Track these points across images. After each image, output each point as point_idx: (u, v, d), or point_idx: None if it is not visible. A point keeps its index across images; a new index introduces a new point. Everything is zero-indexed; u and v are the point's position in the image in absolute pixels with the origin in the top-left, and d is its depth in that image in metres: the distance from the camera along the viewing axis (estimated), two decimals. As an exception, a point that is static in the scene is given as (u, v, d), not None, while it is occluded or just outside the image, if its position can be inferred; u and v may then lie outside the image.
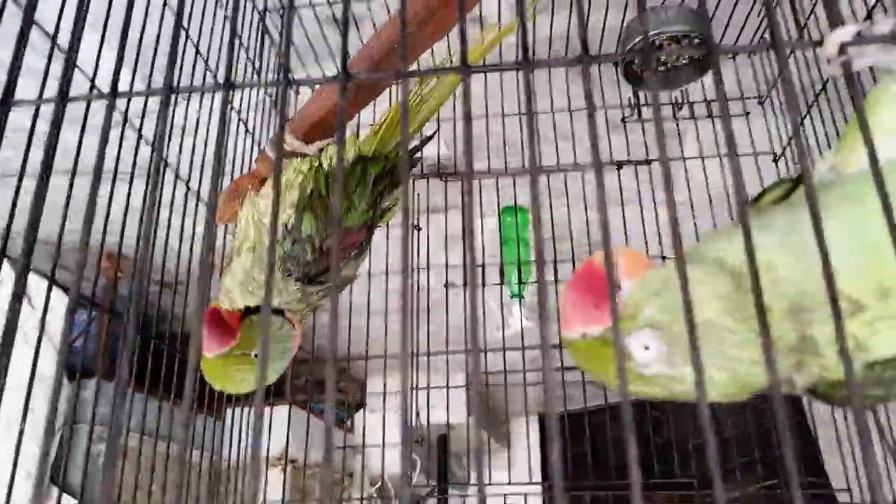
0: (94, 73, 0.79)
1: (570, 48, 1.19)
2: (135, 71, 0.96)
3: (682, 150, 1.21)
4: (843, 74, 0.38)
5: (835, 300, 0.27)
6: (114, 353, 1.95)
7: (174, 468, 2.03)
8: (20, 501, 1.50)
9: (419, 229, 1.23)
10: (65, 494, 1.53)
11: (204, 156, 0.94)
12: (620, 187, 1.23)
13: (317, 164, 0.77)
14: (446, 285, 1.26)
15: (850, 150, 0.45)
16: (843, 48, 0.39)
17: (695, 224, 1.15)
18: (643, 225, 1.21)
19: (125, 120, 0.91)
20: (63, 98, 0.36)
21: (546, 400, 0.26)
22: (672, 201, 0.30)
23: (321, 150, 0.78)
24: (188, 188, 0.94)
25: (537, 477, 3.08)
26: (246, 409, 1.60)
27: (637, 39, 1.04)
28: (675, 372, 0.41)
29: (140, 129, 0.87)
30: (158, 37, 0.87)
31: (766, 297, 0.27)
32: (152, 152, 0.86)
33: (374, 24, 1.14)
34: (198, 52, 0.92)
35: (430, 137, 0.90)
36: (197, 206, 0.94)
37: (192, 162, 0.94)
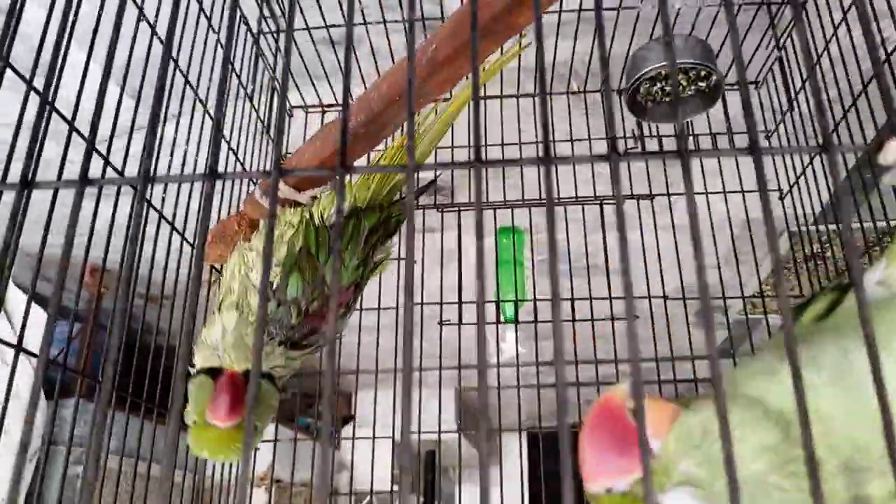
0: (81, 85, 0.76)
1: (574, 75, 1.16)
2: (123, 87, 0.92)
3: (685, 183, 1.18)
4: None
5: (895, 454, 0.23)
6: (96, 369, 1.90)
7: (156, 489, 1.98)
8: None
9: (415, 262, 1.19)
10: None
11: (194, 170, 0.90)
12: (641, 231, 1.20)
13: (307, 216, 0.73)
14: (440, 323, 1.22)
15: None
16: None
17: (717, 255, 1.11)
18: (644, 258, 1.17)
19: (112, 136, 0.87)
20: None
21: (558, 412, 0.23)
22: (708, 309, 0.27)
23: (314, 198, 0.74)
24: (174, 223, 0.90)
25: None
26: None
27: (644, 71, 1.01)
28: None
29: (128, 148, 0.83)
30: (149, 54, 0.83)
31: (818, 449, 0.23)
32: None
33: (371, 45, 1.11)
34: (187, 81, 0.88)
35: (430, 185, 0.87)
36: (185, 223, 0.90)
37: (179, 186, 0.90)
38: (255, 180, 0.69)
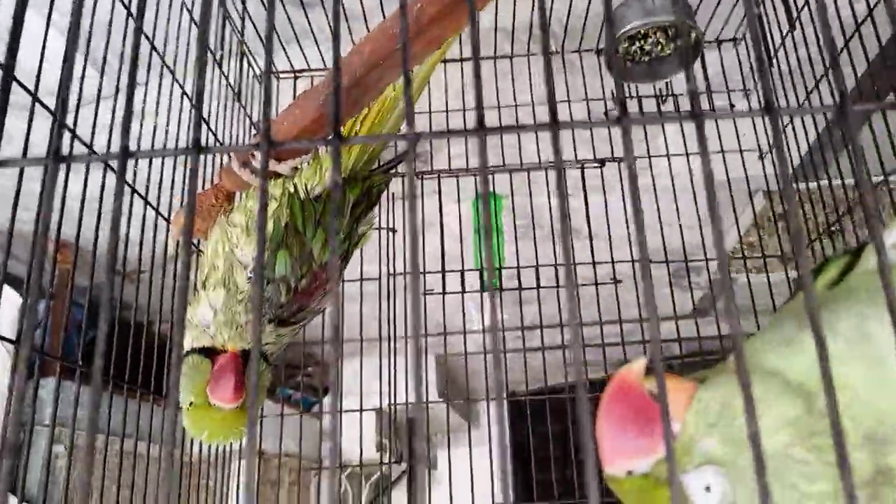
0: (42, 51, 0.72)
1: (551, 35, 1.14)
2: (86, 55, 0.88)
3: (665, 144, 1.18)
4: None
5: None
6: (70, 347, 1.86)
7: (138, 467, 1.96)
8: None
9: (394, 231, 1.17)
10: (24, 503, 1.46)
11: (165, 144, 0.87)
12: (603, 184, 1.19)
13: (290, 188, 0.70)
14: (424, 293, 1.21)
15: None
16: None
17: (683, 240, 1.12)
18: (626, 221, 1.17)
19: (77, 107, 0.83)
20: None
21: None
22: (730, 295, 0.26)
23: (295, 169, 0.71)
24: (147, 191, 0.87)
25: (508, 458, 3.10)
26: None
27: (623, 30, 0.99)
28: None
29: (95, 119, 0.80)
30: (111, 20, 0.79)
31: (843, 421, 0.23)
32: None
33: (343, 6, 1.07)
34: (153, 48, 0.84)
35: (401, 158, 0.84)
36: (159, 195, 0.87)
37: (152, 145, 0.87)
38: (242, 153, 0.67)
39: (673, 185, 1.17)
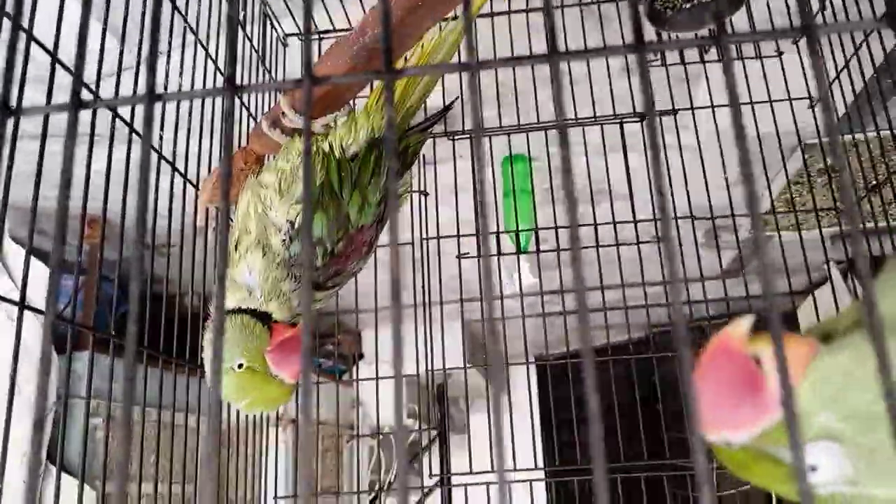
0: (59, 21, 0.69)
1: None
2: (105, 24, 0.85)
3: (710, 95, 1.12)
4: None
5: None
6: (102, 321, 1.87)
7: (171, 436, 1.99)
8: (16, 484, 1.45)
9: (426, 194, 1.14)
10: (64, 473, 1.48)
11: (190, 107, 0.84)
12: (644, 139, 1.14)
13: (325, 147, 0.67)
14: (459, 256, 1.18)
15: None
16: None
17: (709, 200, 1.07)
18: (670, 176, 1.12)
19: (98, 79, 0.81)
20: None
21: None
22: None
23: (328, 126, 0.68)
24: (174, 164, 0.84)
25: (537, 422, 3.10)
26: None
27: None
28: (862, 491, 0.32)
29: (116, 90, 0.77)
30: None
31: None
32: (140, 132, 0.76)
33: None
34: (176, 8, 0.80)
35: (447, 109, 0.80)
36: (186, 168, 0.85)
37: (177, 122, 0.85)
38: (281, 91, 0.63)
39: (718, 137, 1.12)
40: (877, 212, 1.90)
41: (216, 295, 0.26)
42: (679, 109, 1.11)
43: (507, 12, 1.09)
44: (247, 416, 1.39)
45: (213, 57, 0.91)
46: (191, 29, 0.83)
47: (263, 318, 0.66)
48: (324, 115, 0.66)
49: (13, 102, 0.29)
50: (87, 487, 1.58)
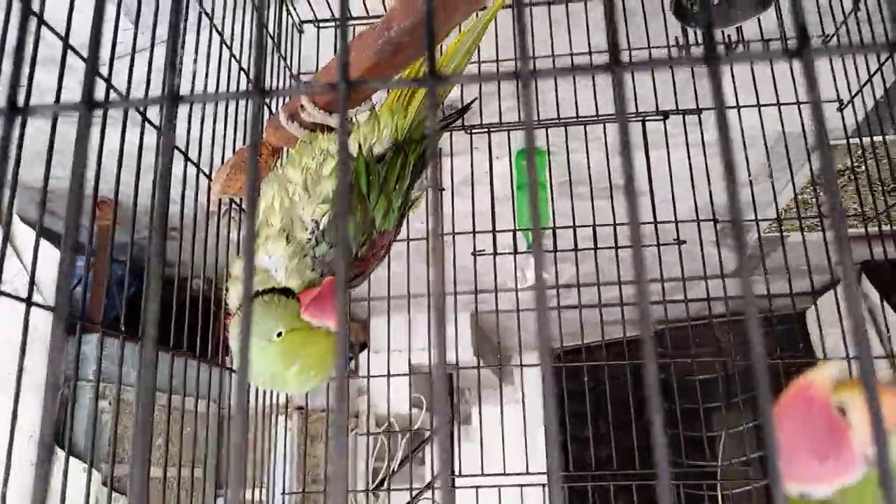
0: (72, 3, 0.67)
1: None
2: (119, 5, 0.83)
3: (735, 94, 1.10)
4: None
5: None
6: (111, 303, 1.87)
7: (180, 420, 1.99)
8: (25, 465, 1.46)
9: (443, 189, 1.12)
10: (72, 457, 1.48)
11: (203, 110, 0.83)
12: (666, 137, 1.11)
13: (353, 148, 0.65)
14: (474, 253, 1.17)
15: None
16: None
17: (748, 170, 1.04)
18: (670, 176, 1.10)
19: (112, 61, 0.79)
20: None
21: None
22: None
23: (351, 121, 0.66)
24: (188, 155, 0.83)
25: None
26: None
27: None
28: None
29: (130, 73, 0.76)
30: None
31: None
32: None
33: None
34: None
35: (467, 108, 0.78)
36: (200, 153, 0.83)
37: (190, 110, 0.83)
38: (289, 105, 0.61)
39: (743, 135, 1.09)
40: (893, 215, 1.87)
41: (243, 277, 0.25)
42: (704, 109, 1.08)
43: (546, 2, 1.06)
44: (258, 399, 1.39)
45: (229, 43, 0.89)
46: (206, 13, 0.81)
47: (285, 292, 0.64)
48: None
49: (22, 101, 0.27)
50: (93, 471, 1.58)
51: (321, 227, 0.64)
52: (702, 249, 1.21)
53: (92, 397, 1.60)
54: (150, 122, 0.74)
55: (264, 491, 1.81)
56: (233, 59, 0.88)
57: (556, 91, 1.16)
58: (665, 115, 1.09)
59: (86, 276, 1.79)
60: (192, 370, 1.07)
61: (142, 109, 0.74)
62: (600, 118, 1.12)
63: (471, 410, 3.36)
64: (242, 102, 0.91)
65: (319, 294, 0.62)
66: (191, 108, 0.77)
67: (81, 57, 0.62)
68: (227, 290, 0.70)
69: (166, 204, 0.27)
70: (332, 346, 0.62)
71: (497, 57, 1.08)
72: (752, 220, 1.70)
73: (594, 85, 1.13)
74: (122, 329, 1.61)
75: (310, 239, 0.65)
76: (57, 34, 0.59)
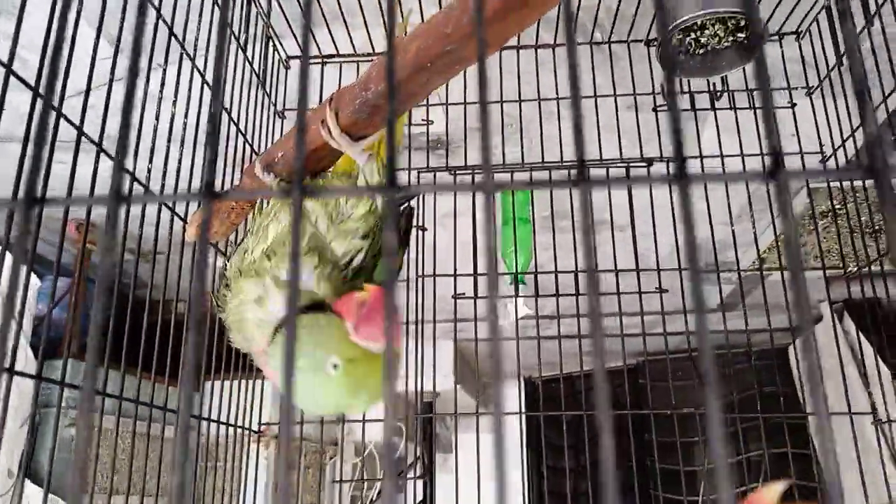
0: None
1: (597, 25, 1.06)
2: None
3: (719, 144, 1.10)
4: None
5: None
6: (86, 326, 1.83)
7: (154, 447, 1.95)
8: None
9: (424, 230, 1.11)
10: (35, 485, 1.44)
11: (183, 137, 0.81)
12: (650, 187, 1.12)
13: (371, 203, 0.63)
14: (455, 297, 1.15)
15: None
16: None
17: (731, 224, 1.05)
18: (652, 214, 1.09)
19: (88, 88, 0.78)
20: None
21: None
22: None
23: (371, 155, 0.62)
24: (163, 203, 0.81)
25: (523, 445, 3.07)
26: (226, 383, 1.51)
27: (678, 21, 0.91)
28: None
29: (109, 93, 0.74)
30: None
31: None
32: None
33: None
34: (172, 34, 0.77)
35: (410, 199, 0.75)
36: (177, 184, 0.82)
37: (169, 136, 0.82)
38: (265, 156, 0.60)
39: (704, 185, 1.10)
40: (871, 256, 1.89)
41: (287, 299, 0.23)
42: (687, 157, 1.08)
43: (515, 47, 1.07)
44: (225, 429, 1.36)
45: (202, 70, 0.88)
46: (177, 41, 0.79)
47: (321, 307, 0.60)
48: (316, 170, 0.63)
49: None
50: (59, 500, 1.53)
51: (355, 263, 0.62)
52: (681, 285, 1.21)
53: (55, 423, 1.56)
54: (108, 158, 0.72)
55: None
56: (206, 86, 0.87)
57: (542, 131, 1.16)
58: (649, 161, 1.09)
59: (63, 296, 1.76)
60: (171, 396, 1.05)
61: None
62: (604, 162, 1.12)
63: (451, 438, 3.33)
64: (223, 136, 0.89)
65: (369, 309, 0.57)
66: (166, 163, 0.76)
67: (109, 155, 0.61)
68: (220, 306, 0.67)
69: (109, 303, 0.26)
70: (372, 372, 0.57)
71: (465, 99, 1.08)
72: (729, 266, 1.70)
73: (560, 135, 1.13)
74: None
75: (343, 269, 0.62)
76: (74, 125, 0.58)
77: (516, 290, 1.38)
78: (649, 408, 3.29)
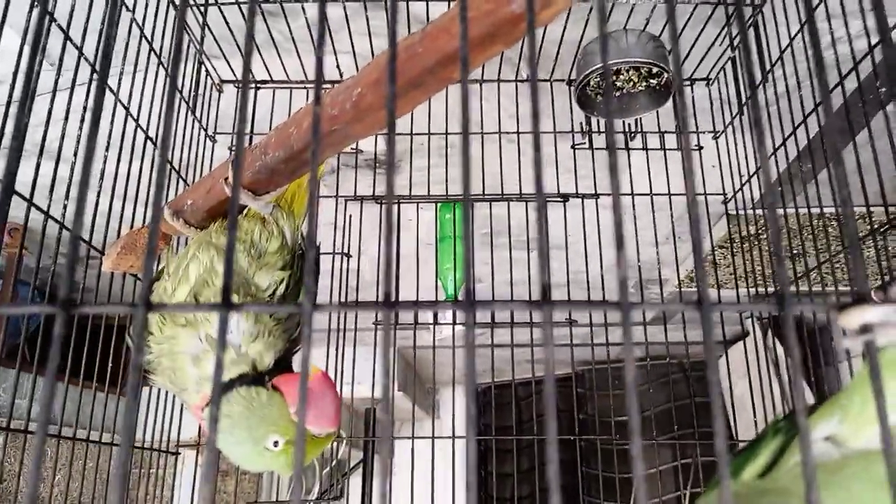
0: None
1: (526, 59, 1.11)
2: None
3: (630, 183, 1.16)
4: (862, 350, 0.31)
5: None
6: (14, 332, 1.80)
7: (81, 457, 1.92)
8: None
9: (349, 256, 1.14)
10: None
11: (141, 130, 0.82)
12: (565, 221, 1.17)
13: (281, 234, 0.66)
14: (375, 324, 1.19)
15: (861, 422, 0.38)
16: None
17: (638, 255, 1.11)
18: (586, 263, 1.15)
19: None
20: None
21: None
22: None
23: (275, 206, 0.66)
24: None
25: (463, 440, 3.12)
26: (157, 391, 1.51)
27: (594, 67, 0.96)
28: None
29: (70, 95, 0.75)
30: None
31: None
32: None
33: (306, 16, 1.02)
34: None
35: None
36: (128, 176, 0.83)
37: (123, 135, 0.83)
38: (173, 203, 0.62)
39: (634, 211, 1.16)
40: (799, 277, 2.01)
41: (213, 392, 0.26)
42: (601, 194, 1.14)
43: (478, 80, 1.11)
44: (157, 436, 1.37)
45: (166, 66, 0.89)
46: (146, 39, 0.81)
47: (260, 381, 0.61)
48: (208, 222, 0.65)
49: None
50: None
51: (279, 293, 0.65)
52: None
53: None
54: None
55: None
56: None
57: (483, 159, 1.20)
58: (565, 197, 1.15)
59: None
60: (99, 402, 1.05)
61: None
62: (522, 197, 1.17)
63: (396, 443, 3.36)
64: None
65: (314, 395, 0.60)
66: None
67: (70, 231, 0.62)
68: (149, 344, 0.66)
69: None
70: (329, 438, 0.62)
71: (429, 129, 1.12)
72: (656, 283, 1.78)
73: (500, 158, 1.18)
74: (21, 359, 1.55)
75: (269, 300, 0.64)
76: (56, 221, 0.59)
77: (454, 316, 1.42)
78: (592, 413, 3.38)
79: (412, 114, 1.18)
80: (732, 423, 2.76)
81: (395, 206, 1.20)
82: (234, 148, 1.08)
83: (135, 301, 0.23)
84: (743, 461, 0.42)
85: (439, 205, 1.62)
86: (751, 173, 1.08)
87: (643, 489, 0.22)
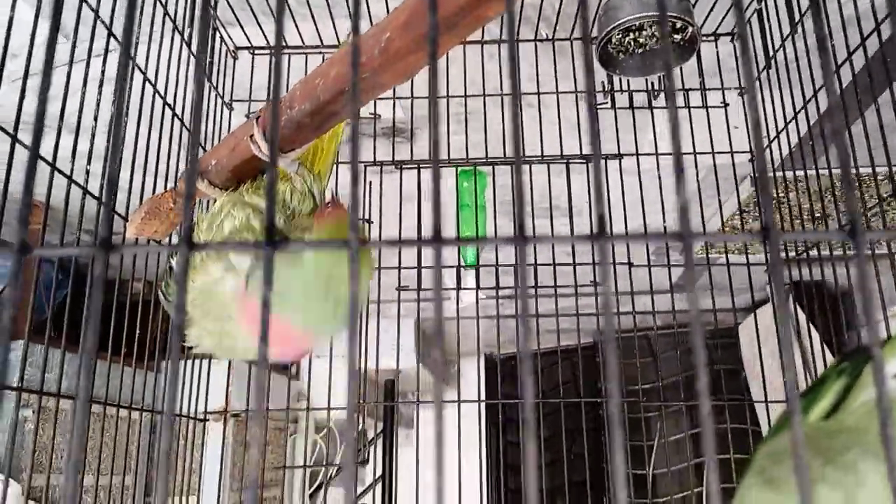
0: None
1: (543, 19, 1.08)
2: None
3: (655, 141, 1.14)
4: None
5: None
6: (39, 305, 1.83)
7: (110, 429, 1.96)
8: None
9: (370, 223, 1.14)
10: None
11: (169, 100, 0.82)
12: (588, 183, 1.15)
13: (307, 187, 0.65)
14: (398, 289, 1.18)
15: None
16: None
17: (663, 217, 1.09)
18: (610, 226, 1.13)
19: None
20: None
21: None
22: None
23: (300, 164, 0.64)
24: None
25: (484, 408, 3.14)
26: (186, 361, 1.52)
27: (617, 22, 0.94)
28: None
29: (87, 65, 0.75)
30: None
31: None
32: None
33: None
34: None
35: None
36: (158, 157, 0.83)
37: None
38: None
39: (658, 172, 1.14)
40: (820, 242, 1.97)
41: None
42: (625, 154, 1.12)
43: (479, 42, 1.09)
44: (190, 405, 1.38)
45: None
46: (170, 17, 0.80)
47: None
48: (253, 174, 0.64)
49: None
50: (12, 482, 1.55)
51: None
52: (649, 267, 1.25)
53: (15, 405, 1.56)
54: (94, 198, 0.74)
55: (194, 499, 1.80)
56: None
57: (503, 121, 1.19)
58: (588, 157, 1.13)
59: (17, 271, 1.74)
60: (126, 376, 1.07)
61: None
62: (544, 159, 1.15)
63: (412, 414, 3.39)
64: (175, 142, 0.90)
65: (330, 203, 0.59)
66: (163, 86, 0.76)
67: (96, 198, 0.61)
68: (168, 300, 0.66)
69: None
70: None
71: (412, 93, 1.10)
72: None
73: (522, 117, 1.16)
74: (49, 334, 1.57)
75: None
76: (63, 174, 0.59)
77: (477, 278, 1.41)
78: (604, 384, 3.39)
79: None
80: (762, 386, 2.75)
81: (416, 170, 1.19)
82: (250, 115, 1.07)
83: (178, 241, 0.23)
84: (806, 405, 0.40)
85: (459, 171, 1.60)
86: (779, 130, 1.05)
87: (712, 446, 0.20)
